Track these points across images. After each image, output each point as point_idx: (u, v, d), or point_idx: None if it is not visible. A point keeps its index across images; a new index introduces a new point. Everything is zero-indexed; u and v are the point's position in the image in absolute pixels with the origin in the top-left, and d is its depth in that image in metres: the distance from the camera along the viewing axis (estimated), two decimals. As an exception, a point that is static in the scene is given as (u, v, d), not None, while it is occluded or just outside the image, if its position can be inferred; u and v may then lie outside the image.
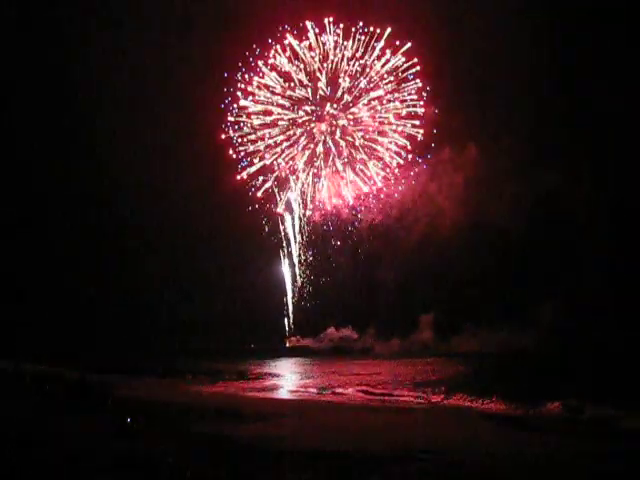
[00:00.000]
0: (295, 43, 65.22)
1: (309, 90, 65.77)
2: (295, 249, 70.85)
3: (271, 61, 65.67)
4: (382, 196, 65.44)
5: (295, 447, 16.24)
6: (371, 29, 63.77)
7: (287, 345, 71.76)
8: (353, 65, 65.14)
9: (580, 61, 57.27)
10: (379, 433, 18.83)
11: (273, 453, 15.54)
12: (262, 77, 65.98)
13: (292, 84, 65.61)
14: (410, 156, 64.52)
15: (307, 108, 66.17)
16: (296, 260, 71.02)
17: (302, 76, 65.67)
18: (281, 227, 69.90)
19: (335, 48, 65.12)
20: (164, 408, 23.58)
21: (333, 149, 66.15)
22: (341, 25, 64.47)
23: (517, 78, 60.61)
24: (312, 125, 66.25)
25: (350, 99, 65.66)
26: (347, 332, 67.49)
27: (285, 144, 66.45)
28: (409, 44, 63.14)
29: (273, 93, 66.22)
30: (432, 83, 63.13)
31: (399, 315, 62.49)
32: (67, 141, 68.31)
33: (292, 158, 66.95)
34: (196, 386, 34.24)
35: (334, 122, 66.04)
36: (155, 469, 13.61)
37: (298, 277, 70.56)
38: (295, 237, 69.94)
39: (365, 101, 65.59)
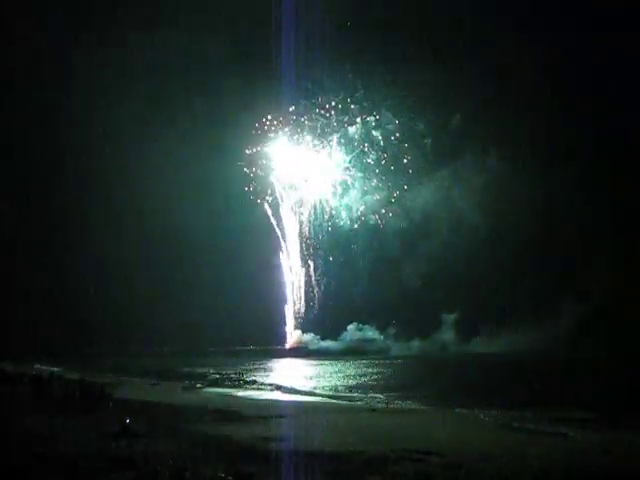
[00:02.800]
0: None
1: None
2: (298, 248, 71.13)
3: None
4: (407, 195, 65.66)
5: (294, 448, 16.24)
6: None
7: (287, 346, 71.45)
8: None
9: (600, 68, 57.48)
10: (378, 434, 18.83)
11: (273, 454, 15.54)
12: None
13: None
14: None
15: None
16: (295, 259, 71.19)
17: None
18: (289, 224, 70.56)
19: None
20: (163, 409, 23.59)
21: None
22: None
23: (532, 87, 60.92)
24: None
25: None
26: (368, 332, 67.06)
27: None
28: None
29: None
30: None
31: (419, 316, 62.48)
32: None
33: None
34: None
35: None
36: (155, 470, 13.59)
37: (303, 279, 70.81)
38: (315, 238, 70.39)
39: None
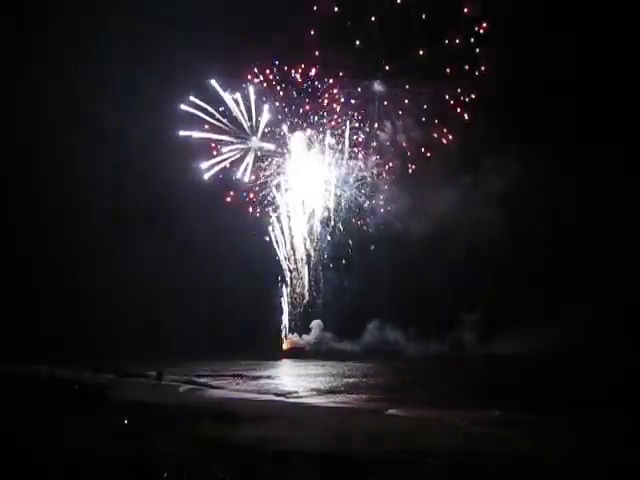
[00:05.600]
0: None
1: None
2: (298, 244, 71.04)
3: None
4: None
5: (294, 448, 16.26)
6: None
7: (284, 347, 71.07)
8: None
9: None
10: (378, 435, 18.83)
11: (272, 454, 15.58)
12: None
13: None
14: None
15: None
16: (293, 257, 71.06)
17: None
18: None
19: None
20: (162, 409, 23.59)
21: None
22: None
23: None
24: None
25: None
26: (388, 332, 66.55)
27: None
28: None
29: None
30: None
31: (439, 316, 62.20)
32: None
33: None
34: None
35: None
36: (153, 470, 13.64)
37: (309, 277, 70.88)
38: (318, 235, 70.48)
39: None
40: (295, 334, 70.91)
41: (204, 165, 68.60)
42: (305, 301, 70.96)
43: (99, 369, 41.62)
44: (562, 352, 50.60)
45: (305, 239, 70.98)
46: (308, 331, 70.39)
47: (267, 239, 70.37)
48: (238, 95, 68.02)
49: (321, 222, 70.46)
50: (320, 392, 32.90)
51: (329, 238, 70.35)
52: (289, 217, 70.61)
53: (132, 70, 63.05)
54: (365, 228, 69.33)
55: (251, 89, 67.67)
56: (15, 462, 14.00)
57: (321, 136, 68.26)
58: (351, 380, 39.59)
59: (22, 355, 45.43)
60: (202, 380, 39.26)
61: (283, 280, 71.20)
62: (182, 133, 67.67)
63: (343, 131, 67.72)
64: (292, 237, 70.95)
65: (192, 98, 67.55)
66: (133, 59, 62.88)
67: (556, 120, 60.84)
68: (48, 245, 68.75)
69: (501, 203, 61.04)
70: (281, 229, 70.71)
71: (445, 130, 65.06)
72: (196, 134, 68.33)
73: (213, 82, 67.51)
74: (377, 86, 65.17)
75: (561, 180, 58.88)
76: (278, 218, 70.35)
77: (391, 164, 67.76)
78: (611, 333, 50.94)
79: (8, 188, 66.90)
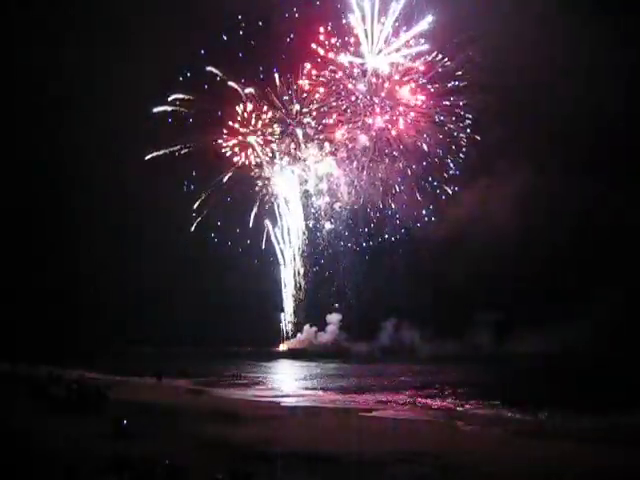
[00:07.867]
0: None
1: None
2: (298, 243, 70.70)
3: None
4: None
5: (292, 450, 16.32)
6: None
7: (282, 347, 70.83)
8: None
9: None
10: (376, 436, 18.91)
11: (271, 455, 15.63)
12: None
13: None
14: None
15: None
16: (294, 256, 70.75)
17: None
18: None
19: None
20: (161, 409, 23.65)
21: None
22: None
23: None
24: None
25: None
26: (405, 331, 66.19)
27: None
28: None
29: None
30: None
31: (455, 316, 61.95)
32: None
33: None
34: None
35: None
36: (152, 471, 13.69)
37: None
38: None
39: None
40: (314, 327, 70.43)
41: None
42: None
43: (99, 369, 41.70)
44: (577, 352, 50.73)
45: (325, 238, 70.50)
46: (325, 325, 69.87)
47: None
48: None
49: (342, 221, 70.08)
50: (317, 393, 33.28)
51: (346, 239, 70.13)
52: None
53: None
54: (385, 229, 69.08)
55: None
56: (13, 462, 14.05)
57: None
58: (349, 381, 39.90)
59: (22, 355, 45.34)
60: (201, 380, 39.38)
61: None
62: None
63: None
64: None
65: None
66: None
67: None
68: (48, 244, 68.92)
69: (516, 205, 61.37)
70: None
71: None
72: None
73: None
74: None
75: (574, 182, 59.43)
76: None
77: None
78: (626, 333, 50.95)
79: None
